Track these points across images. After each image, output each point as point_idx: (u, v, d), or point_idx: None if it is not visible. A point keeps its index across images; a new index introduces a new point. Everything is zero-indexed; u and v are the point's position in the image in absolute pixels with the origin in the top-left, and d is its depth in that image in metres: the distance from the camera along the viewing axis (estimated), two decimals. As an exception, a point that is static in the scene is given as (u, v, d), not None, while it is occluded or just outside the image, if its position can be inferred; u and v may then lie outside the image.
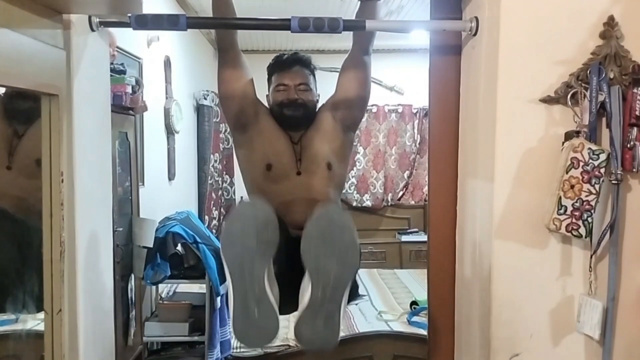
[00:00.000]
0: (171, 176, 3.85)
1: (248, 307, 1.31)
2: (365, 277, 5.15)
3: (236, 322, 1.35)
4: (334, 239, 1.29)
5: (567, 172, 1.36)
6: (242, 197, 1.82)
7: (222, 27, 1.84)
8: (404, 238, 5.75)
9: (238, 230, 1.30)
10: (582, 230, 1.37)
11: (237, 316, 1.34)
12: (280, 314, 1.38)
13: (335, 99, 1.92)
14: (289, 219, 1.77)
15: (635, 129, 1.36)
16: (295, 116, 1.85)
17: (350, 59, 1.92)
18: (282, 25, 1.53)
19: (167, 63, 3.69)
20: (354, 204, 5.87)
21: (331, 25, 1.51)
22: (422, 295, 3.89)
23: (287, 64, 1.91)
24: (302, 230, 1.50)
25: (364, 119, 5.78)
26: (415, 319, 3.65)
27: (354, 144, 5.72)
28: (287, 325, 3.81)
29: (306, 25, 1.51)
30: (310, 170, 1.85)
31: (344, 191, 5.82)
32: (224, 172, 5.30)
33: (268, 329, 1.34)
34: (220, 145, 5.14)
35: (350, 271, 1.32)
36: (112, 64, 2.22)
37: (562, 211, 1.36)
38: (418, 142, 5.89)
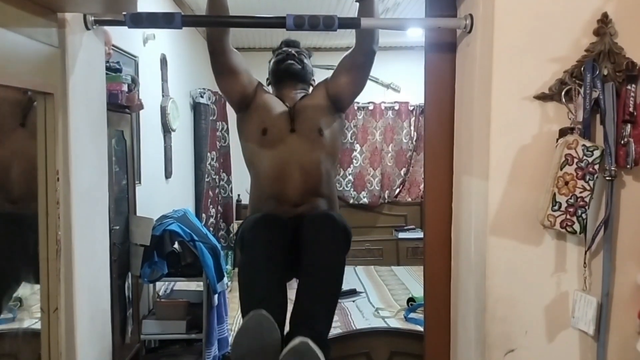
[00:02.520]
0: (168, 174, 3.84)
1: None
2: (362, 274, 5.17)
3: None
4: None
5: (561, 169, 1.36)
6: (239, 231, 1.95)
7: (218, 25, 1.84)
8: (401, 235, 5.76)
9: (245, 346, 1.51)
10: (577, 227, 1.37)
11: None
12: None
13: (329, 84, 2.05)
14: (286, 197, 1.94)
15: (628, 125, 1.37)
16: (292, 64, 2.04)
17: (349, 56, 1.97)
18: (278, 23, 1.53)
19: (164, 61, 3.69)
20: (351, 201, 5.88)
21: (326, 23, 1.51)
22: (419, 292, 3.91)
23: (287, 46, 2.14)
24: (298, 208, 1.90)
25: (360, 117, 5.81)
26: (412, 315, 3.66)
27: (350, 141, 5.80)
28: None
29: (301, 23, 1.51)
30: (303, 131, 1.98)
31: (340, 188, 5.86)
32: (221, 170, 5.30)
33: None
34: (217, 143, 5.14)
35: None
36: (108, 62, 2.22)
37: (556, 207, 1.37)
38: (415, 139, 5.90)
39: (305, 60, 2.09)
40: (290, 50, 2.10)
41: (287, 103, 2.02)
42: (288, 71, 2.05)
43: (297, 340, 1.50)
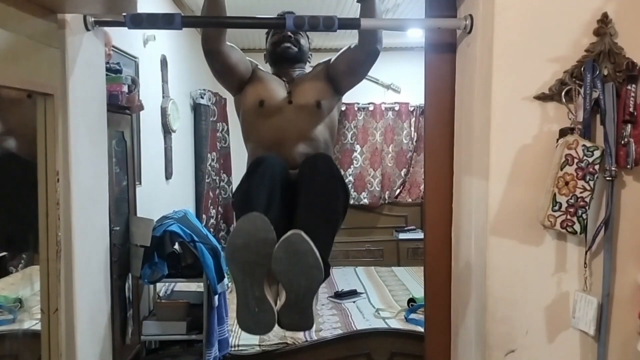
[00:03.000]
0: (168, 175, 3.84)
1: (249, 305, 1.50)
2: (362, 274, 5.16)
3: (239, 315, 1.54)
4: (299, 262, 1.47)
5: (561, 169, 1.36)
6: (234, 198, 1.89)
7: (217, 25, 1.84)
8: (401, 236, 5.76)
9: (240, 245, 1.46)
10: (577, 227, 1.37)
11: (240, 311, 1.53)
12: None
13: (332, 67, 2.03)
14: (283, 160, 1.88)
15: (629, 125, 1.37)
16: (289, 47, 2.03)
17: (355, 51, 1.97)
18: (278, 23, 1.54)
19: (164, 62, 3.69)
20: (351, 202, 5.87)
21: (326, 24, 1.51)
22: (419, 293, 3.90)
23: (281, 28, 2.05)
24: (296, 170, 1.82)
25: (360, 117, 5.80)
26: (412, 316, 3.66)
27: (351, 142, 5.79)
28: (284, 323, 3.81)
29: (301, 24, 1.51)
30: (301, 103, 1.97)
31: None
32: (221, 171, 5.29)
33: (266, 322, 1.53)
34: (218, 144, 5.13)
35: (316, 283, 1.52)
36: (108, 63, 2.22)
37: (556, 208, 1.37)
38: (415, 140, 5.89)
39: (302, 41, 2.08)
40: (286, 31, 2.05)
41: (284, 78, 2.03)
42: (284, 55, 2.05)
43: (289, 232, 1.46)
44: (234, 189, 5.49)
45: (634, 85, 1.37)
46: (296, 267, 1.47)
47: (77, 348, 1.48)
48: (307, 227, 1.54)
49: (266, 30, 2.17)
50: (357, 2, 1.85)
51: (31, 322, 1.65)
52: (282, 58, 2.05)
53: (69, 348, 1.45)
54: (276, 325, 1.55)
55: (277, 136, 1.94)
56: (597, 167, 1.36)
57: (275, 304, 1.54)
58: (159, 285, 3.36)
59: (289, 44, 2.04)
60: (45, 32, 1.36)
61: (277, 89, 1.99)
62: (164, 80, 3.70)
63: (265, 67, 2.13)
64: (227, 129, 5.19)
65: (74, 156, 1.46)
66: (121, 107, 2.56)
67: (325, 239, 1.65)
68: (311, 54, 2.16)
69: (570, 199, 1.36)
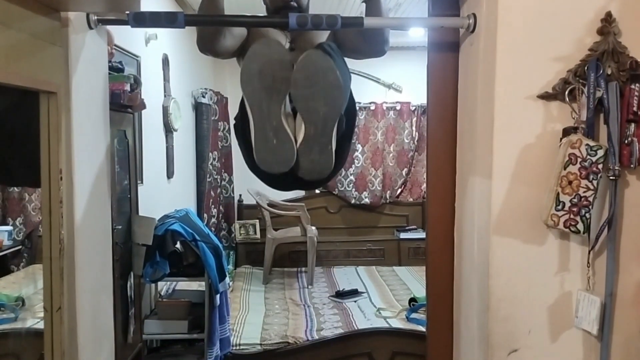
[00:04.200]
0: (170, 174, 3.85)
1: (267, 136, 1.45)
2: (363, 274, 5.17)
3: (257, 150, 1.49)
4: (319, 82, 1.41)
5: (564, 168, 1.36)
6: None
7: (220, 24, 1.83)
8: (403, 235, 5.76)
9: (255, 69, 1.41)
10: (580, 226, 1.37)
11: (258, 144, 1.48)
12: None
13: (341, 33, 1.87)
14: None
15: (632, 124, 1.37)
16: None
17: (364, 44, 1.85)
18: (281, 22, 1.53)
19: (165, 61, 3.69)
20: (353, 201, 5.87)
21: (329, 22, 1.51)
22: (420, 292, 3.90)
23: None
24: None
25: (362, 117, 5.80)
26: (413, 315, 3.66)
27: (352, 141, 5.79)
28: (285, 322, 3.83)
29: (304, 23, 1.51)
30: (304, 49, 1.81)
31: (342, 188, 5.86)
32: (223, 170, 5.30)
33: (285, 155, 1.48)
34: (219, 143, 5.14)
35: (336, 108, 1.46)
36: (110, 62, 2.22)
37: (560, 207, 1.37)
38: (416, 139, 5.89)
39: (304, 3, 1.91)
40: None
41: (286, 34, 1.88)
42: (286, 8, 1.85)
43: (308, 50, 1.43)
44: (235, 189, 5.50)
45: (637, 85, 1.37)
46: (316, 88, 1.41)
47: (79, 346, 1.47)
48: (323, 48, 1.50)
49: None
50: (362, 1, 1.84)
51: (33, 320, 1.65)
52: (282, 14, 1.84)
53: (72, 346, 1.45)
54: (295, 156, 1.49)
55: None
56: (600, 166, 1.36)
57: (294, 137, 1.48)
58: (160, 284, 3.36)
59: (290, 4, 1.86)
60: (49, 30, 1.36)
61: (278, 35, 1.86)
62: (166, 79, 3.70)
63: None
64: (229, 128, 5.19)
65: (77, 154, 1.46)
66: (123, 105, 2.56)
67: (341, 62, 1.58)
68: None
69: (574, 198, 1.36)
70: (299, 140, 1.48)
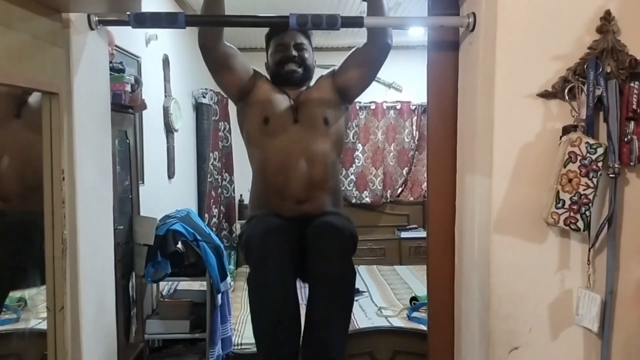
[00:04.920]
0: (171, 174, 3.85)
1: None
2: (365, 273, 5.16)
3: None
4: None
5: (564, 166, 1.37)
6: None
7: (221, 24, 1.85)
8: (403, 234, 5.76)
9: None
10: (580, 224, 1.37)
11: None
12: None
13: (337, 76, 1.98)
14: (290, 191, 1.88)
15: (632, 122, 1.37)
16: (294, 71, 1.94)
17: (366, 49, 1.94)
18: (281, 22, 1.54)
19: (166, 61, 3.69)
20: (353, 200, 5.87)
21: (329, 22, 1.51)
22: (421, 291, 3.91)
23: (284, 27, 1.97)
24: (303, 205, 1.87)
25: (362, 116, 5.80)
26: (415, 314, 3.66)
27: (352, 141, 5.79)
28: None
29: (304, 22, 1.51)
30: (306, 121, 1.91)
31: (342, 188, 5.85)
32: (224, 170, 5.30)
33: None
34: (220, 143, 5.14)
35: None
36: (111, 62, 2.22)
37: (560, 205, 1.37)
38: (417, 138, 5.89)
39: (306, 55, 1.98)
40: (289, 43, 1.96)
41: (290, 95, 1.95)
42: (290, 81, 1.95)
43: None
44: (236, 189, 5.50)
45: (637, 83, 1.37)
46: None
47: (82, 346, 1.48)
48: (325, 343, 1.68)
49: (266, 36, 2.07)
50: (363, 0, 1.85)
51: (35, 321, 1.66)
52: (287, 81, 1.96)
53: (75, 346, 1.46)
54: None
55: (282, 159, 1.88)
56: (600, 164, 1.36)
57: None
58: (162, 284, 3.37)
59: (294, 66, 1.95)
60: (50, 31, 1.37)
61: (283, 106, 1.91)
62: (166, 79, 3.71)
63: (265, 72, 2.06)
64: (229, 128, 5.19)
65: (78, 155, 1.47)
66: (124, 106, 2.57)
67: (342, 339, 1.75)
68: (315, 64, 2.05)
69: (574, 196, 1.37)
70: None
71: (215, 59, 1.90)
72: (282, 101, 1.93)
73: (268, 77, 2.03)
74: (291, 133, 1.89)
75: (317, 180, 1.90)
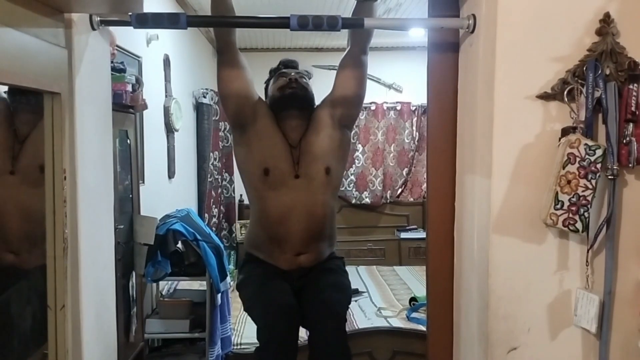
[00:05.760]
0: (171, 174, 3.86)
1: None
2: (364, 274, 5.17)
3: None
4: None
5: (563, 168, 1.37)
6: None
7: (222, 25, 1.85)
8: (403, 235, 5.77)
9: None
10: (579, 225, 1.38)
11: None
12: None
13: (333, 97, 1.97)
14: (288, 244, 1.90)
15: (631, 124, 1.38)
16: (295, 94, 1.92)
17: (348, 58, 1.96)
18: (282, 23, 1.54)
19: (167, 61, 3.70)
20: (353, 201, 5.88)
21: (330, 23, 1.52)
22: (421, 292, 3.91)
23: (285, 67, 2.04)
24: (300, 257, 1.91)
25: (362, 117, 5.81)
26: (414, 315, 3.67)
27: (353, 141, 5.80)
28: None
29: (305, 23, 1.52)
30: (308, 175, 1.89)
31: (342, 188, 5.86)
32: (224, 170, 5.31)
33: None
34: (220, 143, 5.15)
35: None
36: (112, 62, 2.23)
37: (558, 206, 1.38)
38: (416, 139, 5.90)
39: (306, 84, 1.98)
40: (291, 73, 1.97)
41: (290, 137, 1.90)
42: (292, 102, 1.91)
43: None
44: (236, 189, 5.51)
45: (636, 85, 1.38)
46: None
47: (83, 344, 1.49)
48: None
49: (269, 73, 2.08)
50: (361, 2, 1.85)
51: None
52: (290, 103, 1.91)
53: (75, 344, 1.46)
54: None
55: (282, 213, 1.87)
56: (599, 165, 1.37)
57: None
58: (162, 283, 3.38)
59: (295, 89, 1.92)
60: (52, 32, 1.37)
61: (283, 157, 1.88)
62: (167, 79, 3.71)
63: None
64: (229, 128, 5.20)
65: (80, 154, 1.47)
66: (125, 106, 2.57)
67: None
68: (314, 99, 2.03)
69: (573, 197, 1.37)
70: None
71: (231, 60, 1.86)
72: (283, 150, 1.88)
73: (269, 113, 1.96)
74: (292, 188, 1.87)
75: (316, 233, 1.92)
